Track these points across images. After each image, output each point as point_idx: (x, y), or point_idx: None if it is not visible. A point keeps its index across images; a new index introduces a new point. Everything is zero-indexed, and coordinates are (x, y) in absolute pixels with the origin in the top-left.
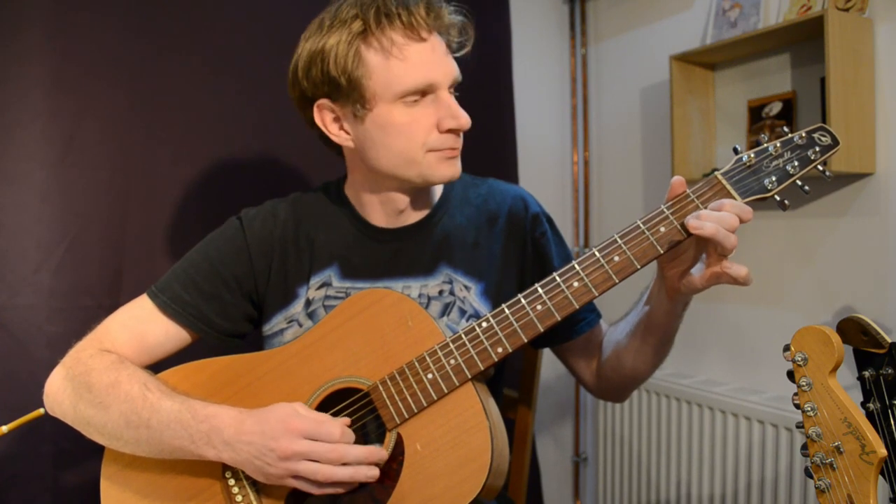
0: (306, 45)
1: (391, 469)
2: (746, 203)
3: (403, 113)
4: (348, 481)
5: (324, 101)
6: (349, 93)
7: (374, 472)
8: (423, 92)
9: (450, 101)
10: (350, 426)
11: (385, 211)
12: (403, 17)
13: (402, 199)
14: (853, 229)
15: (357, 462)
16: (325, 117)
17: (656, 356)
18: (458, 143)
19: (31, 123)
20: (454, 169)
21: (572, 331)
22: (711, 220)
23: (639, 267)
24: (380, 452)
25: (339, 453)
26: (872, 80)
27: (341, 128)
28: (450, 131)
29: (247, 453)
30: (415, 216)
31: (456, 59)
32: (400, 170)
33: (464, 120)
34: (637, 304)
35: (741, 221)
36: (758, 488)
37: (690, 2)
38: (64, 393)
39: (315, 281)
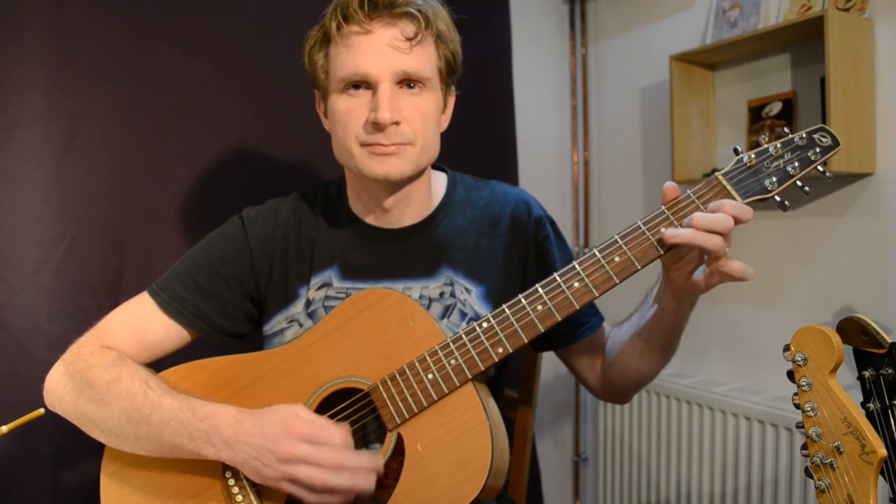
0: None
1: (391, 469)
2: (747, 203)
3: (343, 102)
4: (344, 489)
5: (315, 90)
6: (314, 80)
7: (371, 482)
8: (364, 84)
9: (381, 95)
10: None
11: (373, 209)
12: (345, 9)
13: (381, 196)
14: (853, 229)
15: (355, 468)
16: (319, 104)
17: (662, 357)
18: (387, 139)
19: (31, 123)
20: (385, 167)
21: (575, 334)
22: (699, 223)
23: (639, 267)
24: (378, 461)
25: (338, 458)
26: (872, 80)
27: (326, 115)
28: (374, 126)
29: (245, 453)
30: (415, 217)
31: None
32: (344, 160)
33: (381, 114)
34: (642, 305)
35: (740, 222)
36: (758, 488)
37: (690, 2)
38: (64, 389)
39: (315, 281)
